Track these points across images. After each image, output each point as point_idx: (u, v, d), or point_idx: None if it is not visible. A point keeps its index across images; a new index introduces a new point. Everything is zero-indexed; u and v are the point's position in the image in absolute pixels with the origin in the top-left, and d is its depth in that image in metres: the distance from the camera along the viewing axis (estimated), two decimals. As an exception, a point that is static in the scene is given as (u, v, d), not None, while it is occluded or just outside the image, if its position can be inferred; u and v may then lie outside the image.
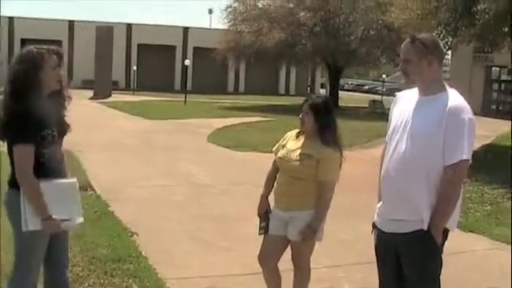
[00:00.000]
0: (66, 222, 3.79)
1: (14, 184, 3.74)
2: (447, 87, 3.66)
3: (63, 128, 3.90)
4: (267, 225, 4.67)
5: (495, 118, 30.27)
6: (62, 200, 3.76)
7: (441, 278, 3.72)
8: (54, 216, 3.69)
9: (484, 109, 34.46)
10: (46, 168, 3.72)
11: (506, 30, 15.13)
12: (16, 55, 3.84)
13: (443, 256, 3.69)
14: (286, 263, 4.69)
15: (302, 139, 4.56)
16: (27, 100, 3.61)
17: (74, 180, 3.96)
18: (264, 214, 4.71)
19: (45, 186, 3.68)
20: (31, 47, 3.81)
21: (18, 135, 3.60)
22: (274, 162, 4.73)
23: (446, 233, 3.65)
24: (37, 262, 3.90)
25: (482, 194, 10.23)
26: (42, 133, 3.67)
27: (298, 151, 4.48)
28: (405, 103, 3.77)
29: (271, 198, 4.73)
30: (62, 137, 3.91)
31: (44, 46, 3.82)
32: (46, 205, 3.66)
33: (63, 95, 3.91)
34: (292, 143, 4.60)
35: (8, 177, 3.82)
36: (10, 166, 3.74)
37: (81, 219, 3.95)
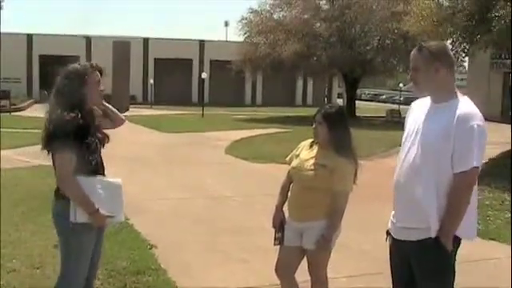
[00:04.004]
0: (109, 219, 4.02)
1: (59, 194, 3.95)
2: (459, 94, 3.64)
3: (103, 138, 4.12)
4: (282, 236, 4.66)
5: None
6: (108, 197, 3.97)
7: (461, 285, 3.69)
8: (100, 210, 3.91)
9: (503, 115, 34.19)
10: (93, 173, 3.97)
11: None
12: (62, 72, 4.02)
13: (462, 264, 3.66)
14: (304, 274, 4.68)
15: (315, 149, 4.54)
16: (73, 112, 3.81)
17: (120, 180, 4.16)
18: (279, 224, 4.70)
19: (93, 181, 3.92)
20: (76, 64, 4.07)
21: (63, 144, 3.79)
22: (289, 172, 4.72)
23: (458, 241, 3.62)
24: (83, 268, 4.05)
25: (503, 201, 10.13)
26: (87, 140, 3.89)
27: (312, 161, 4.46)
28: (418, 111, 3.78)
29: (286, 209, 4.72)
30: (102, 146, 4.11)
31: (87, 63, 4.09)
32: (92, 201, 3.87)
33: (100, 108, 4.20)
34: (305, 153, 4.58)
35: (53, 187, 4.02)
36: (56, 176, 3.94)
37: (122, 217, 4.22)
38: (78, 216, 3.86)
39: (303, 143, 4.72)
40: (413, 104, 3.94)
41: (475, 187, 3.62)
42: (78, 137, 3.81)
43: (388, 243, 3.90)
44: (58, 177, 3.89)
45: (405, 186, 3.66)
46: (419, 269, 3.67)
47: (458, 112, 3.49)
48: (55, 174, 3.94)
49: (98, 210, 3.89)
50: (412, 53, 3.72)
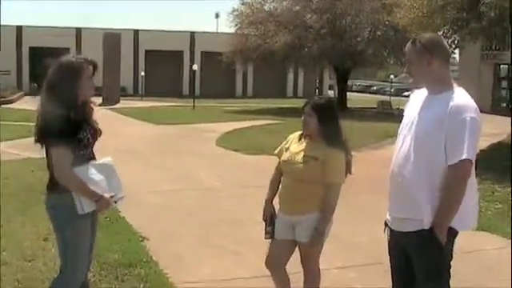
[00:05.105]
0: (112, 198, 4.04)
1: (52, 187, 3.93)
2: (455, 86, 3.64)
3: (95, 132, 4.07)
4: (273, 229, 4.63)
5: (505, 115, 30.03)
6: (104, 179, 3.98)
7: (453, 277, 3.70)
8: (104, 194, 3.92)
9: (493, 107, 34.31)
10: None
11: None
12: (55, 64, 3.96)
13: (455, 255, 3.66)
14: (296, 266, 4.68)
15: (305, 141, 4.50)
16: (65, 106, 3.78)
17: (110, 159, 4.16)
18: (269, 218, 4.68)
19: (87, 168, 3.90)
20: (70, 57, 4.03)
21: (57, 138, 3.77)
22: (278, 165, 4.69)
23: (454, 233, 3.62)
24: (83, 259, 4.05)
25: (493, 193, 10.19)
26: (79, 135, 3.86)
27: (302, 154, 4.42)
28: (414, 102, 3.79)
29: (276, 202, 4.70)
30: (94, 141, 4.07)
31: (81, 56, 4.03)
32: (93, 189, 3.86)
33: (90, 102, 4.12)
34: (295, 146, 4.54)
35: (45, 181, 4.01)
36: (48, 170, 3.92)
37: (122, 194, 4.19)
38: (85, 206, 3.86)
39: (291, 136, 4.67)
40: (411, 95, 3.95)
41: (474, 179, 3.62)
42: (70, 132, 3.78)
43: (386, 234, 3.91)
44: (56, 172, 3.85)
45: (399, 176, 3.67)
46: (415, 259, 3.69)
47: (451, 103, 3.49)
48: (48, 167, 3.91)
49: (102, 196, 3.89)
50: (406, 46, 3.73)
